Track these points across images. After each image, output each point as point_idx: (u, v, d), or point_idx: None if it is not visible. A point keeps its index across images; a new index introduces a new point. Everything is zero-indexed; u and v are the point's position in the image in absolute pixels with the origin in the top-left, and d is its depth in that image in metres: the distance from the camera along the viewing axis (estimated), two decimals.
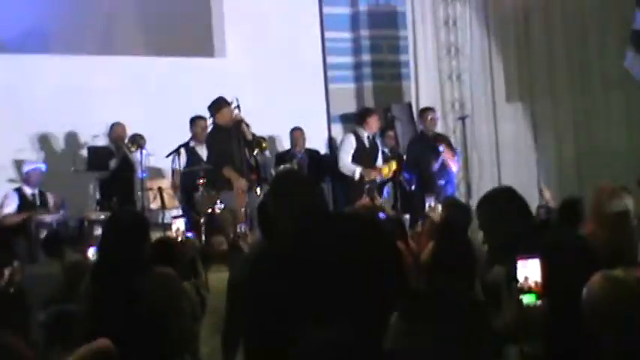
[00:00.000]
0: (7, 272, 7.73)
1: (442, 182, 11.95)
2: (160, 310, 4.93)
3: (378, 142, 12.39)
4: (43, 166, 11.58)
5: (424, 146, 12.18)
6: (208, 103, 11.34)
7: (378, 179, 12.00)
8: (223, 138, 11.10)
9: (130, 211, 8.32)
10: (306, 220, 4.06)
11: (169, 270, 5.28)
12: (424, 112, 12.65)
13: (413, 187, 12.12)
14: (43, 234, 10.05)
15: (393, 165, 12.00)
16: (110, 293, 4.92)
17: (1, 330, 3.34)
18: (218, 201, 10.74)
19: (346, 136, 12.30)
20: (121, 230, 5.10)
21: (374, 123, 12.06)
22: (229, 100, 11.13)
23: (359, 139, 11.96)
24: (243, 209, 10.72)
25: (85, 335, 4.19)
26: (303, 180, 4.52)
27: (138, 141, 11.56)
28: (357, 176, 11.76)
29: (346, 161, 11.89)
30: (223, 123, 11.07)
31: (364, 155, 11.94)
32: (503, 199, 4.76)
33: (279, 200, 4.22)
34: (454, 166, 12.22)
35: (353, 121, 13.14)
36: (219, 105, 11.07)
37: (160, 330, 4.84)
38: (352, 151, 11.91)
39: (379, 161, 12.15)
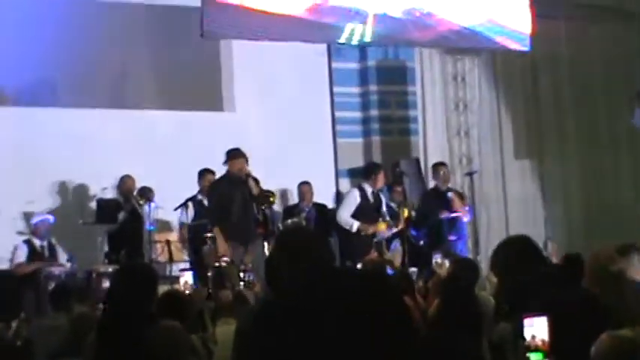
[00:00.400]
0: (14, 325, 7.75)
1: (453, 237, 11.95)
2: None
3: (382, 196, 12.37)
4: (51, 218, 11.61)
5: (436, 201, 12.19)
6: (217, 156, 11.38)
7: (387, 234, 11.98)
8: (226, 189, 11.11)
9: (138, 264, 8.35)
10: (312, 274, 4.07)
11: (176, 323, 5.27)
12: (437, 167, 12.66)
13: (422, 242, 12.14)
14: (52, 286, 10.04)
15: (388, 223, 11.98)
16: (116, 346, 4.92)
17: None
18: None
19: (351, 190, 12.29)
20: (130, 283, 5.11)
21: (381, 180, 12.04)
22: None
23: (363, 194, 11.96)
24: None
25: None
26: (309, 234, 4.53)
27: (147, 194, 11.60)
28: (354, 229, 11.76)
29: (345, 215, 11.87)
30: (232, 172, 11.10)
31: (368, 210, 11.92)
32: (519, 246, 4.81)
33: (285, 254, 4.24)
34: (465, 217, 12.16)
35: (360, 175, 13.22)
36: (233, 154, 11.09)
37: None
38: (355, 207, 11.90)
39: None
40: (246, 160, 11.05)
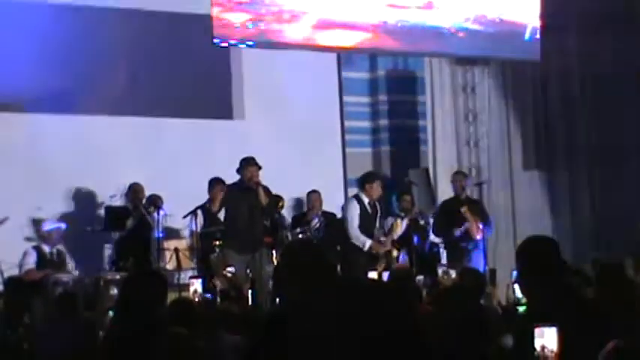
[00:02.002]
0: (21, 330, 7.76)
1: (467, 245, 11.94)
2: None
3: (378, 208, 12.29)
4: (63, 226, 11.61)
5: (452, 210, 12.18)
6: (226, 165, 11.39)
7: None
8: (235, 197, 11.13)
9: (148, 271, 8.34)
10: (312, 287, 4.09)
11: (184, 331, 5.26)
12: (456, 175, 12.68)
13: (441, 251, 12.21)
14: (59, 292, 10.03)
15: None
16: (124, 353, 4.91)
17: None
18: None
19: (350, 201, 12.24)
20: (140, 290, 5.09)
21: (376, 189, 11.95)
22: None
23: (362, 205, 11.95)
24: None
25: None
26: (311, 249, 4.55)
27: (155, 201, 11.61)
28: (366, 248, 11.76)
29: (356, 232, 11.83)
30: (244, 180, 11.12)
31: (366, 221, 11.92)
32: (544, 250, 4.67)
33: (287, 270, 4.28)
34: (477, 235, 12.12)
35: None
36: (244, 162, 11.12)
37: None
38: (358, 216, 11.90)
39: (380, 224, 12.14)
40: (258, 169, 11.06)
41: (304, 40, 12.62)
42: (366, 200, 11.96)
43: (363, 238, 11.77)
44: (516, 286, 7.27)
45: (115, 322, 5.32)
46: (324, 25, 12.59)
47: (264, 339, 4.13)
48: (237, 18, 12.10)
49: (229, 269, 10.59)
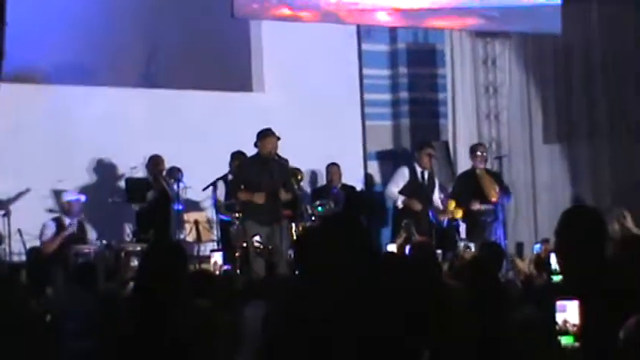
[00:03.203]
0: (42, 301, 7.80)
1: (486, 218, 11.92)
2: (194, 343, 4.93)
3: (437, 182, 12.34)
4: (83, 197, 11.64)
5: (471, 182, 12.16)
6: (245, 137, 11.39)
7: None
8: (255, 169, 11.06)
9: (168, 242, 8.36)
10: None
11: (206, 303, 5.28)
12: (474, 148, 12.62)
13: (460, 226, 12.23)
14: None
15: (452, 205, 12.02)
16: (145, 324, 4.92)
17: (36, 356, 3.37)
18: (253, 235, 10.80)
19: (401, 167, 12.32)
20: (160, 261, 5.09)
21: (424, 159, 12.04)
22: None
23: (413, 173, 12.02)
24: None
25: None
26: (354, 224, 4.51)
27: (174, 173, 11.63)
28: (399, 204, 11.79)
29: (392, 189, 11.96)
30: (263, 153, 11.05)
31: (416, 191, 11.95)
32: (588, 223, 4.54)
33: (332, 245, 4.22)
34: (493, 198, 12.04)
35: (390, 158, 13.33)
36: (265, 134, 11.04)
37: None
38: (402, 184, 11.95)
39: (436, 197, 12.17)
40: (278, 140, 11.02)
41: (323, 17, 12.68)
42: (419, 170, 12.03)
43: (396, 194, 11.85)
44: (552, 255, 7.23)
45: (136, 294, 5.32)
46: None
47: (290, 317, 4.14)
48: None
49: (256, 238, 10.60)
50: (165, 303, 4.90)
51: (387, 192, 12.13)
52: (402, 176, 12.03)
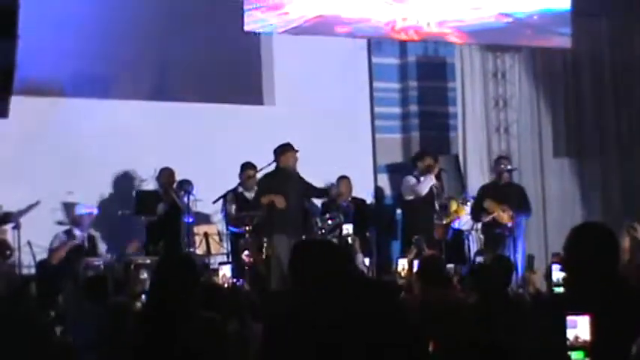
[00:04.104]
0: (52, 313, 7.82)
1: (502, 232, 11.94)
2: (204, 353, 4.93)
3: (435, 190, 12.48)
4: (95, 211, 11.67)
5: (490, 195, 12.19)
6: (256, 150, 11.42)
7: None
8: (279, 182, 11.14)
9: (181, 255, 8.37)
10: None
11: (216, 316, 5.27)
12: (498, 160, 12.72)
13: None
14: None
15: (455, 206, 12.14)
16: (156, 337, 4.93)
17: None
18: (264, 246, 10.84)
19: (406, 177, 12.63)
20: (172, 273, 5.09)
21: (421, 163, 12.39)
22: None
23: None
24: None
25: None
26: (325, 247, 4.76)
27: (185, 186, 11.65)
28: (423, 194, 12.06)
29: (410, 181, 12.35)
30: (285, 166, 11.10)
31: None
32: (599, 238, 4.50)
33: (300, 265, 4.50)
34: (508, 222, 12.06)
35: (400, 170, 13.37)
36: (285, 148, 11.11)
37: None
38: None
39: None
40: (297, 154, 11.11)
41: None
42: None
43: (416, 185, 12.17)
44: (554, 267, 7.24)
45: (148, 306, 5.34)
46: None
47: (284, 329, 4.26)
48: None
49: (246, 253, 10.69)
50: (175, 313, 4.91)
51: (405, 189, 12.39)
52: (411, 179, 12.29)
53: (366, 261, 11.27)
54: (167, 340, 4.88)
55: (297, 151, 11.11)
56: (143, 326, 5.10)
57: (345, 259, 4.93)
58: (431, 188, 12.32)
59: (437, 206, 12.37)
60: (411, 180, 12.44)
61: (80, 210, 11.53)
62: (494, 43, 14.18)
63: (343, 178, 12.84)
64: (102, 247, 11.51)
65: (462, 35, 13.30)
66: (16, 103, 11.30)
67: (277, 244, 10.88)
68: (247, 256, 11.09)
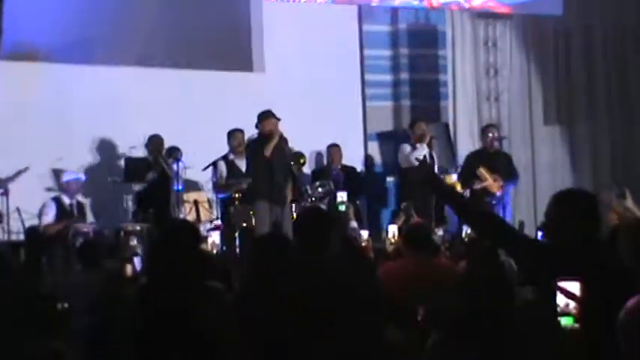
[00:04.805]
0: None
1: (491, 200, 11.95)
2: (213, 327, 4.84)
3: (435, 160, 12.54)
4: (82, 177, 11.66)
5: (478, 163, 12.20)
6: (245, 117, 11.39)
7: None
8: (257, 151, 11.13)
9: (180, 221, 8.34)
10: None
11: (220, 285, 5.19)
12: (485, 129, 12.72)
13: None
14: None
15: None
16: (160, 307, 4.81)
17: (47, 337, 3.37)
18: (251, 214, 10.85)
19: (402, 145, 12.66)
20: (173, 240, 5.01)
21: (417, 133, 12.48)
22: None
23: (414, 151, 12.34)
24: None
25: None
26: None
27: (174, 153, 11.62)
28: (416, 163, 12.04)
29: (405, 150, 12.40)
30: (264, 133, 11.11)
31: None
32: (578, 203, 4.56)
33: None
34: (497, 191, 12.09)
35: (390, 138, 13.36)
36: (265, 115, 11.11)
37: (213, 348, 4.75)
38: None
39: None
40: (278, 121, 11.06)
41: None
42: (418, 148, 12.33)
43: (411, 154, 12.18)
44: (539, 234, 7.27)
45: (149, 275, 5.24)
46: None
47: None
48: None
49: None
50: (180, 284, 4.79)
51: (401, 159, 12.46)
52: (406, 147, 12.38)
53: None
54: (171, 310, 4.78)
55: (276, 118, 11.08)
56: (146, 297, 5.00)
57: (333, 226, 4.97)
58: (424, 157, 12.32)
59: None
60: (407, 148, 12.45)
61: (66, 177, 11.52)
62: (485, 10, 14.14)
63: (334, 146, 12.83)
64: (91, 214, 11.47)
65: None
66: (4, 67, 11.24)
67: (257, 211, 10.92)
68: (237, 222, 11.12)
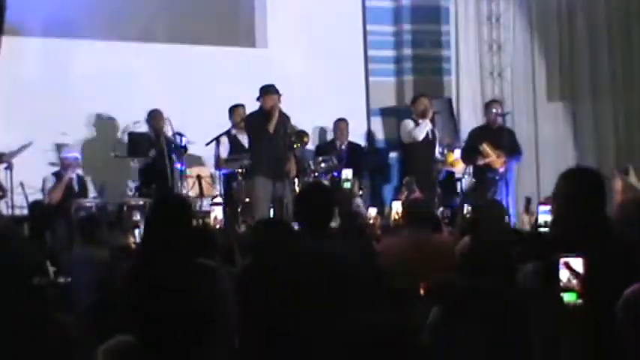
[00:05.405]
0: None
1: (493, 176, 11.94)
2: (205, 305, 4.85)
3: (437, 134, 12.57)
4: (78, 155, 11.67)
5: (481, 139, 12.19)
6: (248, 92, 11.37)
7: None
8: (257, 125, 11.12)
9: (174, 195, 8.34)
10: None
11: (212, 263, 5.20)
12: (489, 104, 12.68)
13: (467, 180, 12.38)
14: None
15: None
16: (153, 282, 4.83)
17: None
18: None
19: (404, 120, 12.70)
20: (165, 215, 5.01)
21: (418, 107, 12.47)
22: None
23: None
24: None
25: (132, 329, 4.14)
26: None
27: (176, 139, 11.63)
28: (420, 138, 12.22)
29: (408, 126, 12.43)
30: (265, 108, 11.09)
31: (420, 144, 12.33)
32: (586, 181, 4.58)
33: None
34: (500, 167, 12.08)
35: (393, 114, 13.34)
36: (266, 90, 11.09)
37: (204, 326, 4.77)
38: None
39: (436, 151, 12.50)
40: (279, 97, 11.04)
41: None
42: (421, 123, 12.34)
43: (413, 130, 12.27)
44: (541, 208, 7.27)
45: (143, 249, 5.26)
46: None
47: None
48: None
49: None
50: (172, 259, 4.80)
51: (404, 133, 12.51)
52: (410, 123, 12.40)
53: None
54: (164, 284, 4.80)
55: (278, 93, 11.05)
56: (138, 272, 5.00)
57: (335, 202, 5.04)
58: (427, 133, 12.34)
59: (437, 153, 12.42)
60: (409, 124, 12.45)
61: (65, 153, 11.55)
62: None
63: (341, 121, 12.81)
64: (93, 188, 11.49)
65: None
66: (5, 42, 11.21)
67: (255, 187, 10.92)
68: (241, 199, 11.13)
